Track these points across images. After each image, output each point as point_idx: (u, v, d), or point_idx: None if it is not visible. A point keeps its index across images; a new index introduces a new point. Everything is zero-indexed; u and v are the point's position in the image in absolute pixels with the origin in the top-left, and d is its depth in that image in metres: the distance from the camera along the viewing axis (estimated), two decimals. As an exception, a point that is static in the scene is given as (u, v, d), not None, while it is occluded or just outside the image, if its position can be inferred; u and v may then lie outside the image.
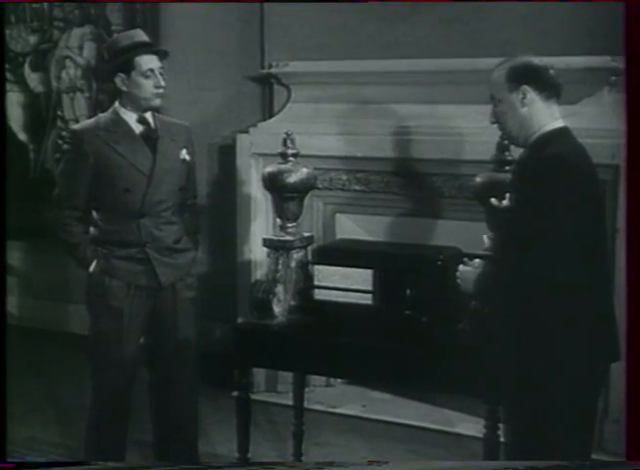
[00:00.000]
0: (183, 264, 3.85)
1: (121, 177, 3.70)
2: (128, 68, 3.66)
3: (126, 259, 3.74)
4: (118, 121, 3.73)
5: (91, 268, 3.75)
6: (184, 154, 3.83)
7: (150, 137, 3.75)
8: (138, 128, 3.74)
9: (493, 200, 3.35)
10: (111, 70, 3.72)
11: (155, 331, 3.84)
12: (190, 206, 3.96)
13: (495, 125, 3.08)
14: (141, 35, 3.76)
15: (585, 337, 2.88)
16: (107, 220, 3.77)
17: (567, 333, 2.87)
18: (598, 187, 3.07)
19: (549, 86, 2.98)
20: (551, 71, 3.00)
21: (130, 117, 3.74)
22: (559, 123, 2.98)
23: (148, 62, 3.67)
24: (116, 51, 3.70)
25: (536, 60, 3.01)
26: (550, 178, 2.83)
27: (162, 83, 3.69)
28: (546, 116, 2.97)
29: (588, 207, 2.91)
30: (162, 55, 3.74)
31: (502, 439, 3.34)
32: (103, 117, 3.81)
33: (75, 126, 4.14)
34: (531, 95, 2.96)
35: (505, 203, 3.28)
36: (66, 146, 4.00)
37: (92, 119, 3.90)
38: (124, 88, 3.69)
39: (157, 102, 3.72)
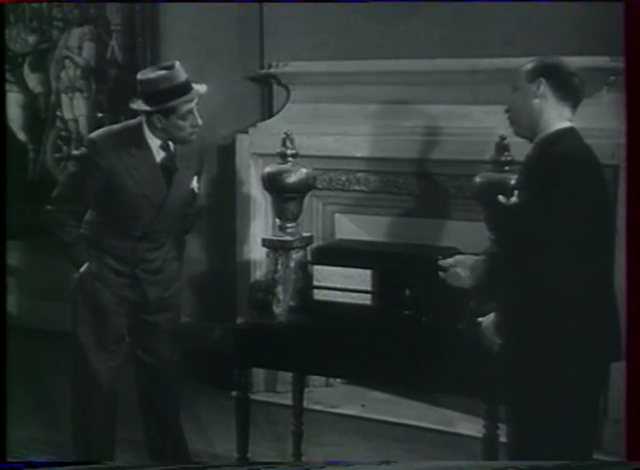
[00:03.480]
0: (170, 277, 3.83)
1: (131, 205, 3.62)
2: (168, 111, 3.51)
3: (116, 273, 3.72)
4: (141, 144, 3.60)
5: (82, 269, 3.73)
6: (194, 183, 3.77)
7: (168, 167, 3.64)
8: (159, 155, 3.63)
9: (501, 197, 3.33)
10: (146, 109, 3.54)
11: (140, 332, 3.83)
12: (184, 229, 3.97)
13: (505, 120, 3.11)
14: (181, 75, 3.54)
15: (587, 336, 2.88)
16: (104, 234, 3.71)
17: (569, 332, 2.87)
18: (605, 185, 3.09)
19: (566, 88, 3.01)
20: (575, 80, 3.02)
21: (154, 144, 3.61)
22: (567, 124, 3.01)
23: (188, 104, 3.52)
24: (155, 93, 3.50)
25: (567, 63, 3.05)
26: (559, 175, 2.86)
27: (200, 122, 3.56)
28: (555, 114, 3.00)
29: (596, 203, 2.93)
30: (200, 93, 3.58)
31: (502, 439, 3.34)
32: (127, 131, 3.64)
33: (94, 136, 3.70)
34: (545, 89, 2.99)
35: (514, 200, 3.25)
36: (80, 151, 3.76)
37: (115, 130, 3.71)
38: (159, 126, 3.55)
39: (192, 138, 3.60)
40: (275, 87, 5.14)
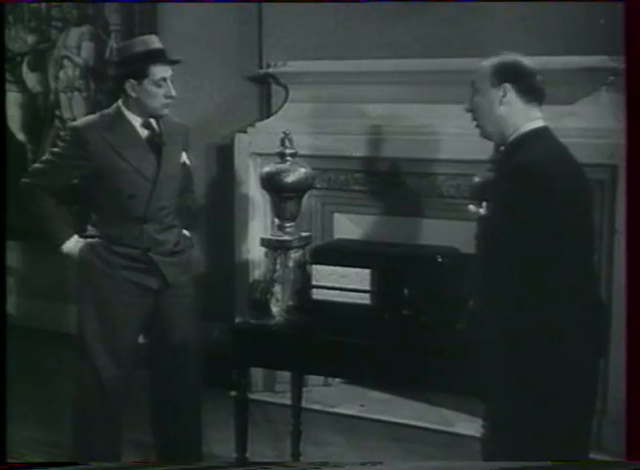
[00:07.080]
0: (184, 263, 3.86)
1: (126, 183, 3.67)
2: (141, 75, 3.60)
3: (129, 259, 3.72)
4: (123, 123, 3.69)
5: (70, 249, 3.72)
6: (184, 157, 3.84)
7: (154, 142, 3.72)
8: (143, 132, 3.71)
9: (471, 207, 3.28)
10: (121, 74, 3.66)
11: (155, 330, 3.84)
12: (187, 206, 3.96)
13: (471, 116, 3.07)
14: (156, 42, 3.68)
15: (571, 335, 2.87)
16: (109, 224, 3.74)
17: (554, 332, 2.86)
18: (580, 189, 2.97)
19: (532, 91, 2.94)
20: (538, 77, 2.96)
21: (135, 120, 3.70)
22: (537, 124, 2.94)
23: (161, 71, 3.62)
24: (130, 57, 3.63)
25: (527, 62, 2.97)
26: (519, 187, 2.79)
27: (173, 93, 3.64)
28: (523, 117, 2.93)
29: (564, 212, 2.83)
30: (174, 63, 3.69)
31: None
32: (106, 115, 3.74)
33: (77, 124, 3.88)
34: (512, 95, 2.92)
35: (482, 211, 3.22)
36: (64, 138, 3.82)
37: (94, 117, 3.80)
38: (133, 94, 3.64)
39: (164, 111, 3.68)
40: (274, 87, 5.15)
